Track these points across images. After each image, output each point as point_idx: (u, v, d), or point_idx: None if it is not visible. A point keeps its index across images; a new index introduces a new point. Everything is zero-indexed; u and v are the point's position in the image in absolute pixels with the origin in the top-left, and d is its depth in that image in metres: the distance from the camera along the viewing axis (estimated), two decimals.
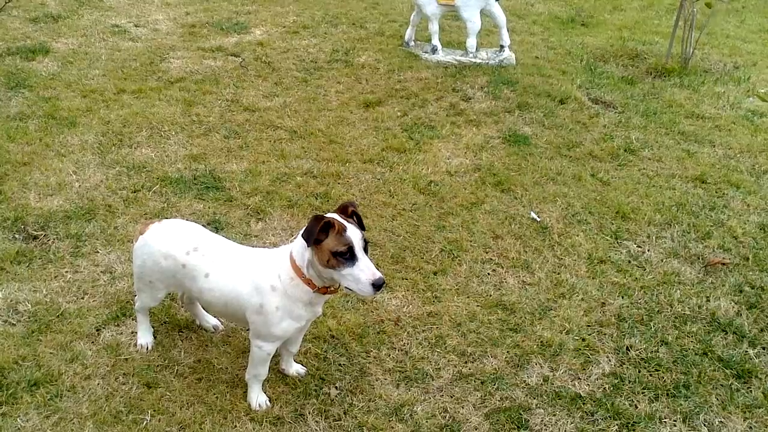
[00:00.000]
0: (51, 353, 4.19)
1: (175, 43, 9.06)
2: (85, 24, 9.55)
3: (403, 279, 5.01)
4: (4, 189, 5.66)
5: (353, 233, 3.42)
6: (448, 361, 4.35)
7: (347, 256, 3.39)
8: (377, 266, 3.56)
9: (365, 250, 3.46)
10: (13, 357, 4.13)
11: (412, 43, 9.30)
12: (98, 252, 5.04)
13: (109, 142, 6.47)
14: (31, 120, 6.80)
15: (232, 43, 9.13)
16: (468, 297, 4.88)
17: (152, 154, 6.35)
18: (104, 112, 7.04)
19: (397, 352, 4.40)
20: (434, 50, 8.97)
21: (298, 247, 3.56)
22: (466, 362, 4.34)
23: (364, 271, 3.40)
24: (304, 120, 7.16)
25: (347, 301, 4.74)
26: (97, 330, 4.39)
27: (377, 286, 3.40)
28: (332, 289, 3.62)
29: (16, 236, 5.17)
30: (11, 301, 4.56)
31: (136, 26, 9.61)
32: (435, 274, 5.09)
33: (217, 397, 3.98)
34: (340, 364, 4.27)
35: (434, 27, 8.96)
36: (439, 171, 6.38)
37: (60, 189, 5.71)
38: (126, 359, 4.19)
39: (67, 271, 4.86)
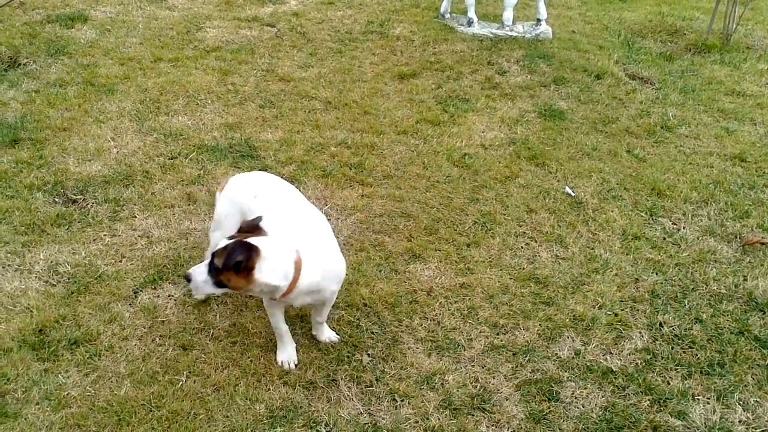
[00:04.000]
0: (90, 314, 4.27)
1: (211, 12, 9.06)
2: None
3: (436, 250, 5.01)
4: (44, 153, 5.73)
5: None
6: (480, 332, 4.35)
7: None
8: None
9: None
10: (54, 316, 4.22)
11: (448, 16, 9.24)
12: (136, 217, 5.09)
13: (146, 110, 6.51)
14: (70, 86, 6.85)
15: (267, 14, 9.11)
16: (501, 270, 4.87)
17: (189, 122, 6.38)
18: (141, 80, 7.08)
19: (429, 321, 4.41)
20: (470, 23, 8.90)
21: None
22: (497, 334, 4.35)
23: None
24: (338, 91, 7.16)
25: (380, 270, 4.76)
26: (135, 293, 4.46)
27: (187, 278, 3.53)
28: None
29: (56, 200, 5.24)
30: (52, 262, 4.64)
31: None
32: (468, 246, 5.09)
33: (251, 361, 4.03)
34: (372, 332, 4.30)
35: None
36: (473, 144, 6.35)
37: (98, 154, 5.77)
38: (162, 322, 4.26)
39: (105, 235, 4.93)
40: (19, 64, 7.27)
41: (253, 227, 3.61)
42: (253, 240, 3.48)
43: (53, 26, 8.26)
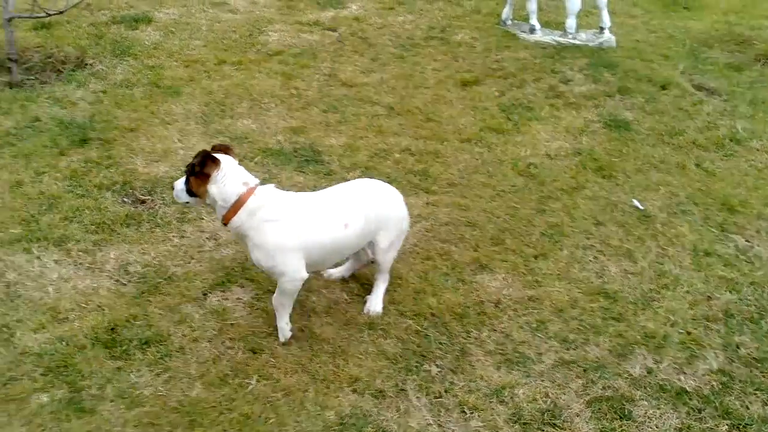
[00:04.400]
0: (160, 314, 4.31)
1: (273, 16, 9.11)
2: None
3: (503, 261, 4.97)
4: (113, 153, 5.80)
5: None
6: (550, 346, 4.30)
7: None
8: None
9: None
10: (126, 315, 4.27)
11: (510, 22, 9.17)
12: (203, 219, 5.13)
13: (211, 112, 6.56)
14: (136, 87, 6.94)
15: (328, 18, 9.13)
16: (569, 283, 4.82)
17: (253, 125, 6.42)
18: (206, 83, 7.14)
19: (497, 334, 4.37)
20: (532, 30, 8.83)
21: None
22: (567, 349, 4.29)
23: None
24: (401, 97, 7.15)
25: (447, 280, 4.74)
26: (204, 294, 4.50)
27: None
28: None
29: (125, 200, 5.30)
30: (122, 261, 4.70)
31: None
32: (535, 257, 5.04)
33: (320, 367, 4.03)
34: (440, 343, 4.27)
35: (532, 6, 8.82)
36: (538, 153, 6.30)
37: (165, 156, 5.82)
38: (231, 324, 4.29)
39: (174, 236, 4.97)
40: (86, 64, 7.37)
41: (226, 147, 4.11)
42: (218, 155, 3.96)
43: (118, 27, 8.36)
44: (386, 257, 4.37)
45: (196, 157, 3.91)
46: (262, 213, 3.93)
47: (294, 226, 3.96)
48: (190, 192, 4.01)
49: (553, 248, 5.14)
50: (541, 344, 4.31)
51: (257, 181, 4.04)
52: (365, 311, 4.44)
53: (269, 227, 3.93)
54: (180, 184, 4.06)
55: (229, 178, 3.92)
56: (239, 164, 4.04)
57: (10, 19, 6.73)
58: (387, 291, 4.52)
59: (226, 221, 3.97)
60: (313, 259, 4.08)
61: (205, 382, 3.89)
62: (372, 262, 4.44)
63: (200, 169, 3.90)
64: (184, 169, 4.07)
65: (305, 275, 4.02)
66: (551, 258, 5.04)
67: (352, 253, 4.46)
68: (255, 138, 6.20)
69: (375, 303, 4.46)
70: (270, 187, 4.07)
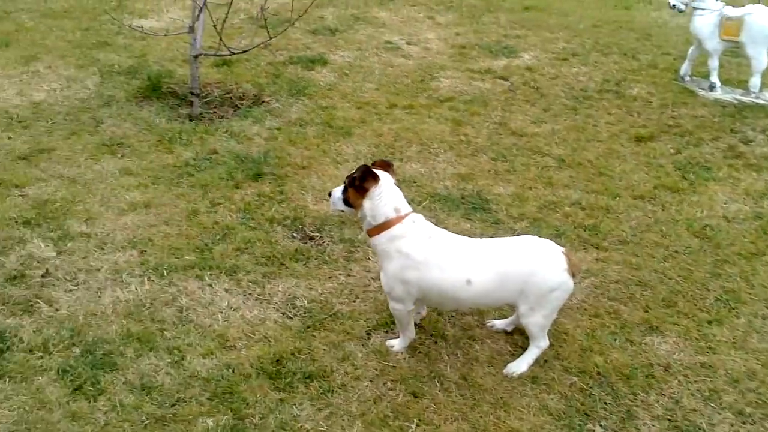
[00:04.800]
0: (324, 350, 4.36)
1: (445, 62, 9.20)
2: (360, 38, 9.93)
3: (674, 324, 4.76)
4: (284, 189, 5.97)
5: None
6: (724, 417, 4.06)
7: None
8: None
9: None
10: (291, 348, 4.34)
11: (688, 78, 8.90)
12: (369, 259, 5.18)
13: (381, 154, 6.66)
14: (309, 126, 7.14)
15: (500, 66, 9.14)
16: (746, 353, 4.55)
17: (422, 169, 6.46)
18: (377, 125, 7.27)
19: (666, 399, 4.17)
20: (712, 87, 8.54)
21: None
22: (744, 422, 4.04)
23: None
24: (572, 149, 7.03)
25: (615, 339, 4.57)
26: (368, 334, 4.53)
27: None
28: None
29: (295, 235, 5.42)
30: (290, 295, 4.80)
31: (408, 44, 9.86)
32: (709, 323, 4.80)
33: (480, 417, 3.96)
34: (605, 403, 4.11)
35: (714, 63, 8.54)
36: (714, 215, 6.03)
37: None
38: (393, 366, 4.28)
39: (340, 274, 5.04)
40: (263, 102, 7.67)
41: (386, 164, 4.25)
42: (379, 171, 4.08)
43: (295, 68, 8.67)
44: (528, 321, 4.14)
45: (357, 170, 4.05)
46: (400, 243, 4.03)
47: (418, 266, 4.00)
48: (346, 202, 4.17)
49: (728, 315, 4.88)
50: (714, 414, 4.08)
51: (409, 209, 4.14)
52: (505, 371, 4.28)
53: (398, 258, 4.03)
54: (338, 192, 4.21)
55: (384, 198, 4.06)
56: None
57: (196, 56, 7.10)
58: (539, 357, 4.35)
59: (369, 234, 4.15)
60: (431, 300, 4.24)
61: (366, 421, 3.89)
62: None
63: (359, 183, 4.05)
64: (344, 179, 4.19)
65: (411, 308, 4.20)
66: (726, 325, 4.78)
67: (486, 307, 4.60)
68: (423, 182, 6.23)
69: (518, 364, 4.30)
70: (419, 219, 4.15)
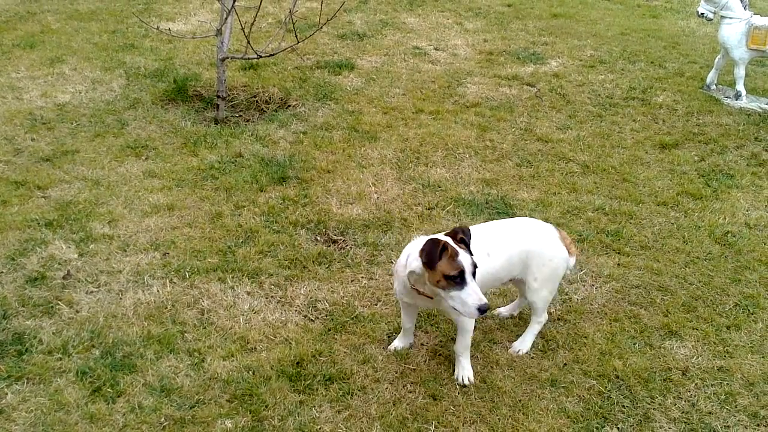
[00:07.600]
0: (345, 352, 4.41)
1: (473, 68, 9.26)
2: (387, 44, 10.03)
3: (693, 329, 4.77)
4: (309, 193, 6.05)
5: (464, 258, 3.69)
6: (738, 420, 4.08)
7: (457, 280, 3.66)
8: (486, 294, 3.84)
9: (473, 275, 3.70)
10: (311, 351, 4.40)
11: (714, 87, 8.89)
12: (392, 262, 5.21)
13: (406, 159, 6.73)
14: (335, 131, 7.23)
15: (527, 73, 9.18)
16: (763, 357, 4.55)
17: (446, 174, 6.52)
18: (403, 130, 7.34)
19: (683, 402, 4.19)
20: (738, 96, 8.52)
21: (413, 257, 3.83)
22: (758, 425, 4.05)
23: (471, 295, 3.66)
24: (596, 155, 7.05)
25: (634, 343, 4.59)
26: (388, 337, 4.57)
27: (482, 310, 3.67)
28: (426, 294, 3.91)
29: (318, 238, 5.50)
30: (311, 298, 4.86)
31: (435, 49, 9.94)
32: (728, 328, 4.80)
33: (499, 419, 4.00)
34: (623, 406, 4.14)
35: (741, 72, 8.52)
36: (737, 222, 6.02)
37: (359, 198, 6.01)
38: (413, 369, 4.32)
39: (362, 277, 5.10)
40: (289, 106, 7.77)
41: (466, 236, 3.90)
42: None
43: (322, 72, 8.78)
44: (536, 296, 4.37)
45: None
46: None
47: None
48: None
49: (747, 320, 4.88)
50: (729, 417, 4.09)
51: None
52: (511, 349, 4.50)
53: None
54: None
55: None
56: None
57: (223, 59, 7.21)
58: (540, 333, 4.58)
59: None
60: None
61: (385, 423, 3.94)
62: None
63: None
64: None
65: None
66: (744, 329, 4.79)
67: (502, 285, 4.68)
68: (448, 187, 6.29)
69: (523, 342, 4.53)
70: None
